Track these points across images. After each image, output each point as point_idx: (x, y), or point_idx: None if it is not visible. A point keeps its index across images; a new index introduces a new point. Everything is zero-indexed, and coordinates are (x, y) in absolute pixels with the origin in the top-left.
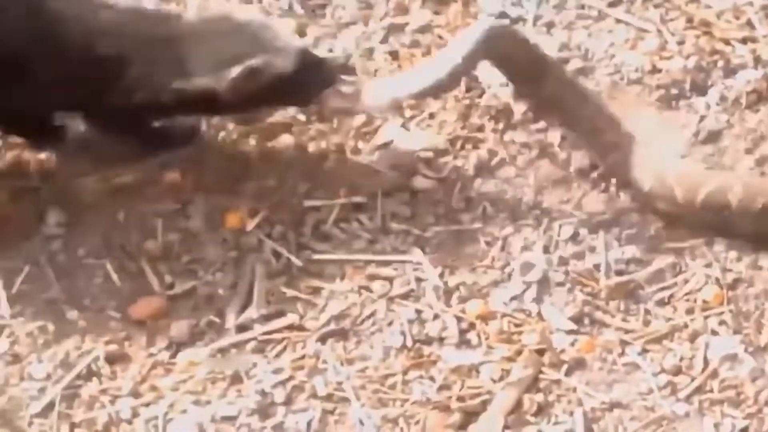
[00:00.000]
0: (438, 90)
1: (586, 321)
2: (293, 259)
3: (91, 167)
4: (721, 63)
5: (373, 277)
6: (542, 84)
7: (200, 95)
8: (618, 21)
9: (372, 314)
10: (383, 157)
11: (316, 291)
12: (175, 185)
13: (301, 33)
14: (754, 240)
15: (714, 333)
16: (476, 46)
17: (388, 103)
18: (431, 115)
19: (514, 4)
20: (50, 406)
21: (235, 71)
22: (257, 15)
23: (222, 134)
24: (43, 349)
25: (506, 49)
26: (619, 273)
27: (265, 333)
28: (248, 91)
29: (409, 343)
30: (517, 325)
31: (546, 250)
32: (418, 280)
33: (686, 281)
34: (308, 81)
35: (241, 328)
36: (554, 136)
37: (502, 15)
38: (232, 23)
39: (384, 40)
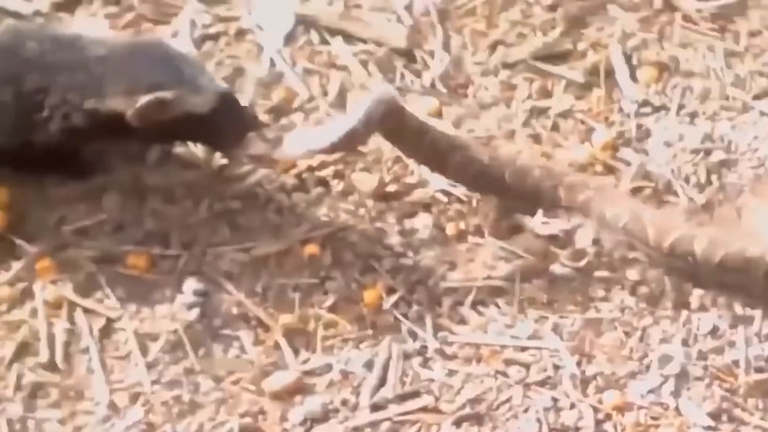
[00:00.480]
0: (336, 148)
1: (724, 417)
2: (430, 339)
3: (230, 237)
4: None
5: (509, 362)
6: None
7: (111, 117)
8: (762, 114)
9: (508, 400)
10: (521, 241)
11: (452, 373)
12: (314, 258)
13: (439, 113)
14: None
15: None
16: (370, 115)
17: (302, 153)
18: None
19: (657, 93)
20: None
21: (144, 99)
22: (190, 50)
23: (362, 210)
24: (178, 419)
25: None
26: (759, 370)
27: (399, 414)
28: (157, 122)
29: (545, 431)
30: (654, 418)
31: (685, 343)
32: (555, 367)
33: None
34: (224, 124)
35: (376, 407)
36: None
37: (645, 103)
38: (159, 51)
39: (526, 123)
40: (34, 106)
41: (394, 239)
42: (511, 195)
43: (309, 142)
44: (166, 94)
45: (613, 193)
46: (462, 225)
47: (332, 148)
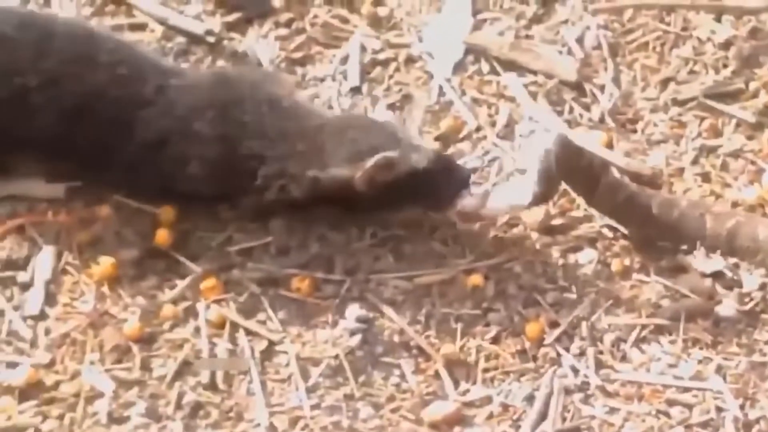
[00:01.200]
0: (537, 201)
1: None
2: (591, 376)
3: (394, 264)
4: None
5: (672, 403)
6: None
7: (335, 186)
8: None
9: None
10: (687, 280)
11: (613, 411)
12: (477, 289)
13: (610, 145)
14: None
15: None
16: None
17: (506, 210)
18: None
19: None
20: None
21: (371, 161)
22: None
23: (527, 243)
24: None
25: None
26: None
27: None
28: (382, 183)
29: None
30: None
31: None
32: (718, 409)
33: None
34: (441, 182)
35: None
36: None
37: None
38: (368, 120)
39: (695, 161)
40: (248, 171)
41: (559, 273)
42: (658, 226)
43: (512, 198)
44: (392, 153)
45: (762, 218)
46: (627, 261)
47: (534, 202)
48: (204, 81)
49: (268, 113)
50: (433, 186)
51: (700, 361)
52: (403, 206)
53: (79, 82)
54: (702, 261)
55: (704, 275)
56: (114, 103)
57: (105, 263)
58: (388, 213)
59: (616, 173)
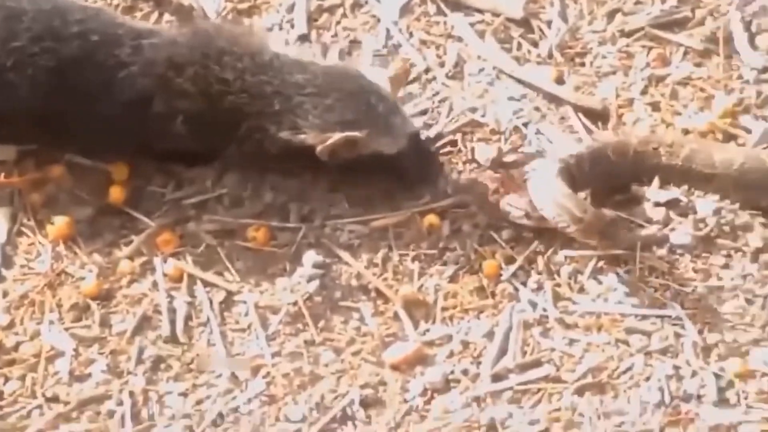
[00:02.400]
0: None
1: None
2: (550, 309)
3: (349, 210)
4: None
5: (630, 331)
6: None
7: (302, 151)
8: None
9: (629, 368)
10: (642, 210)
11: (573, 342)
12: (434, 229)
13: (560, 80)
14: None
15: None
16: None
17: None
18: None
19: None
20: None
21: (335, 137)
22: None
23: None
24: (299, 390)
25: None
26: None
27: (521, 383)
28: (345, 158)
29: (667, 400)
30: None
31: None
32: (677, 335)
33: None
34: (409, 166)
35: (497, 377)
36: None
37: (765, 69)
38: (357, 84)
39: (644, 92)
40: (229, 125)
41: None
42: (618, 173)
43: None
44: (357, 134)
45: (716, 143)
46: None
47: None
48: (183, 38)
49: (248, 68)
50: (400, 169)
51: (656, 289)
52: (368, 181)
53: (54, 57)
54: (656, 191)
55: (659, 204)
56: (92, 71)
57: (60, 223)
58: (356, 183)
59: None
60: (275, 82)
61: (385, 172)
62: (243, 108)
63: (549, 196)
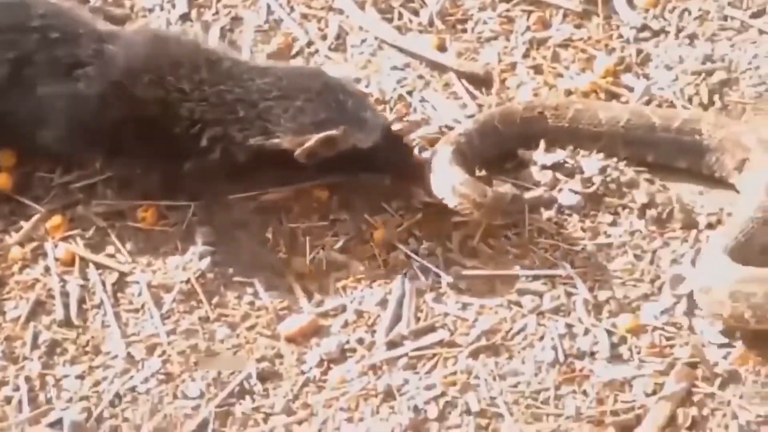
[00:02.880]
0: None
1: (738, 334)
2: (442, 274)
3: (238, 186)
4: None
5: (522, 292)
6: None
7: (274, 156)
8: (761, 32)
9: (522, 329)
10: (528, 174)
11: (466, 306)
12: (322, 202)
13: (442, 48)
14: None
15: None
16: None
17: None
18: None
19: (656, 17)
20: (204, 424)
21: (314, 138)
22: (348, 76)
23: None
24: (196, 367)
25: None
26: None
27: (416, 349)
28: (323, 158)
29: (561, 358)
30: (668, 339)
31: (695, 263)
32: (568, 294)
33: None
34: (384, 158)
35: (392, 344)
36: None
37: (644, 28)
38: (320, 82)
39: (526, 55)
40: (190, 135)
41: None
42: (507, 140)
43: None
44: (334, 132)
45: (600, 102)
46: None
47: None
48: (140, 42)
49: (207, 76)
50: (373, 161)
51: (546, 250)
52: (345, 176)
53: (13, 49)
54: (542, 154)
55: (545, 167)
56: (49, 67)
57: None
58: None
59: None
60: (236, 90)
61: (363, 167)
62: (203, 116)
63: (448, 184)
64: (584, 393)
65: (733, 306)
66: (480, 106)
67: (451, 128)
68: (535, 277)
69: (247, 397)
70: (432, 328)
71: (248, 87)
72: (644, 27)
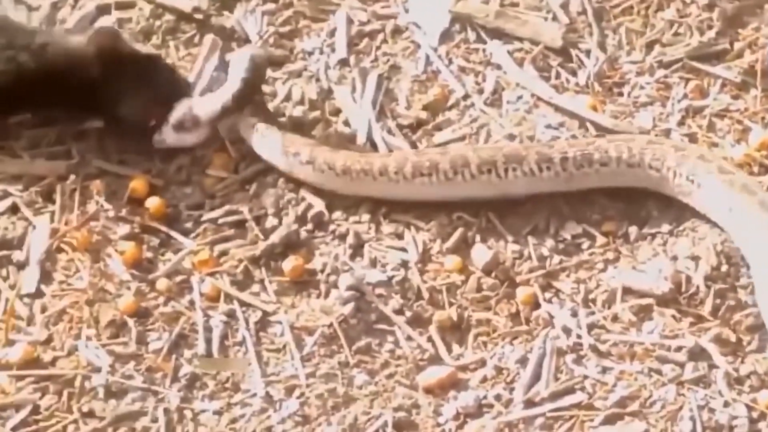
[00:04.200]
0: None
1: None
2: (584, 336)
3: None
4: None
5: (663, 360)
6: None
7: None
8: None
9: (661, 398)
10: None
11: (606, 370)
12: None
13: (597, 109)
14: None
15: None
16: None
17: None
18: None
19: None
20: None
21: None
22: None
23: None
24: (333, 412)
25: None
26: None
27: (553, 410)
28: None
29: (699, 430)
30: None
31: None
32: (710, 366)
33: None
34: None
35: (529, 403)
36: None
37: None
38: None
39: (681, 123)
40: None
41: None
42: None
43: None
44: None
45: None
46: None
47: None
48: None
49: None
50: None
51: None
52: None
53: None
54: None
55: None
56: None
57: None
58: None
59: None
60: None
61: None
62: None
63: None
64: None
65: None
66: None
67: None
68: (677, 348)
69: None
70: (570, 390)
71: None
72: None
